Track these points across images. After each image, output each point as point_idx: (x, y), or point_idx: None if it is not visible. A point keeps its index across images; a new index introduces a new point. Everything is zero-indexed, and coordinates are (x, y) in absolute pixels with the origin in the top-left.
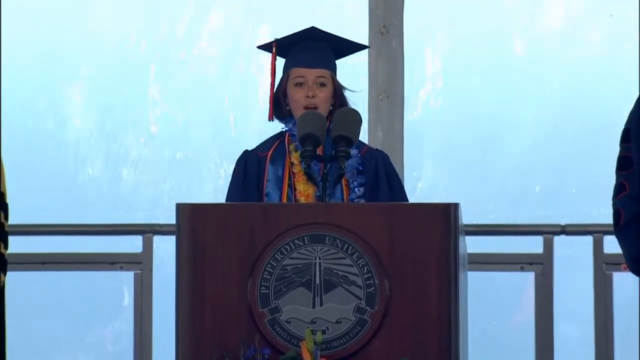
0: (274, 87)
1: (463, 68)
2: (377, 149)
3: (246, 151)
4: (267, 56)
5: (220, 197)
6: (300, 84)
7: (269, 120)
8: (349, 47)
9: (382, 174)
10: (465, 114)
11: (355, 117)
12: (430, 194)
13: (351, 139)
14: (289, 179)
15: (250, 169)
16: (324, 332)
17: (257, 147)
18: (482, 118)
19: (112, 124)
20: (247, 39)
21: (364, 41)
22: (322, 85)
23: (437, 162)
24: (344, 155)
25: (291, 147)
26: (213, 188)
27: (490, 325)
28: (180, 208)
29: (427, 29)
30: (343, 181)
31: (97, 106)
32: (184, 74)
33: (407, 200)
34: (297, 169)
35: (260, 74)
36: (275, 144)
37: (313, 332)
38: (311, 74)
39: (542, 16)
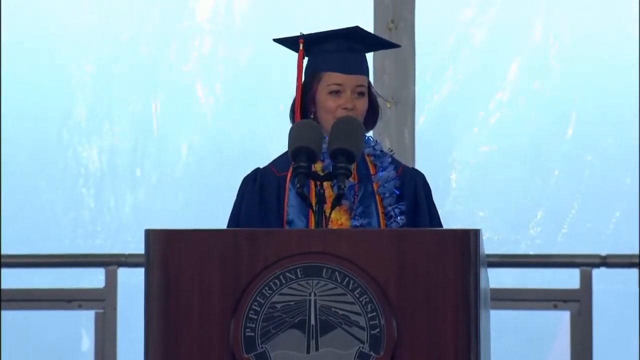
0: (300, 90)
1: (483, 69)
2: (413, 168)
3: (258, 169)
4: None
5: (197, 224)
6: (336, 92)
7: None
8: (379, 47)
9: (421, 199)
10: (487, 123)
11: (357, 128)
12: (447, 218)
13: (352, 153)
14: (317, 204)
15: (267, 189)
16: None
17: (272, 164)
18: (507, 129)
19: (69, 135)
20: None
21: None
22: (361, 94)
23: (454, 179)
24: (344, 173)
25: (317, 165)
26: (189, 211)
27: None
28: (150, 235)
29: (442, 24)
30: (380, 208)
31: (52, 116)
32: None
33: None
34: (328, 192)
35: (255, 82)
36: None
37: None
38: (350, 82)
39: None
